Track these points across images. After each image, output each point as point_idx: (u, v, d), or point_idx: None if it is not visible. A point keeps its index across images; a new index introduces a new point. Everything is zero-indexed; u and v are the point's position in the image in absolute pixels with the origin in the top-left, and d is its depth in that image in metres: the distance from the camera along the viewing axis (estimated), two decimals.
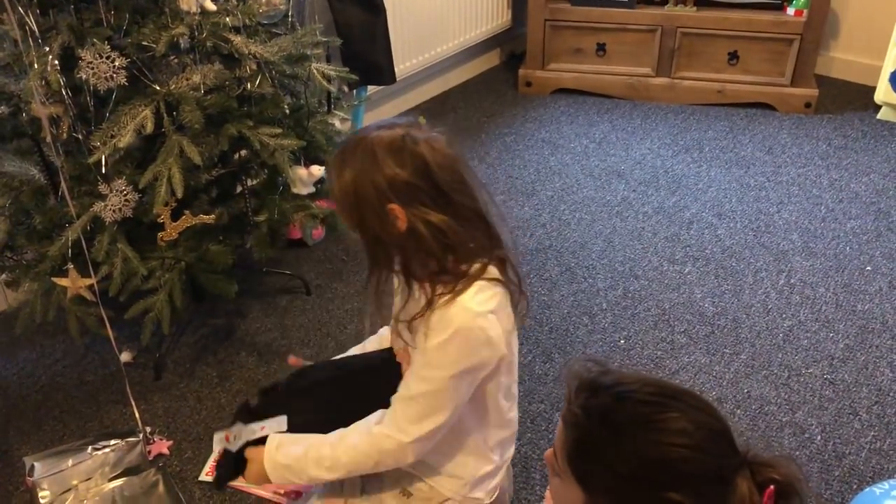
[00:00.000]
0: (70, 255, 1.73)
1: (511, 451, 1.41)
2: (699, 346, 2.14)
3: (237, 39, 1.75)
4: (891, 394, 1.98)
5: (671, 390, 0.94)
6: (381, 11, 2.61)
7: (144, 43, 1.67)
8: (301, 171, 1.97)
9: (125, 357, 2.10)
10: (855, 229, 2.60)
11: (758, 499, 0.89)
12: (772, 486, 0.88)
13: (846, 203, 2.74)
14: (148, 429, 1.88)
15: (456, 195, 1.17)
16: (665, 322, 2.23)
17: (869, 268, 2.42)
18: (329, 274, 2.47)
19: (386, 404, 1.26)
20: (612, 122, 3.33)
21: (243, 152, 1.92)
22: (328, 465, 1.24)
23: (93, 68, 1.60)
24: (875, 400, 1.96)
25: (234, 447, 1.33)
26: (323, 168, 2.04)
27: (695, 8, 3.28)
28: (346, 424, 1.29)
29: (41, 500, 1.67)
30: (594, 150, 3.13)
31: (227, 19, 1.76)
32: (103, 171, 1.68)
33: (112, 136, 1.65)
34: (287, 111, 1.93)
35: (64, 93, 1.63)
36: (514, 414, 1.37)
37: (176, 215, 1.78)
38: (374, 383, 1.35)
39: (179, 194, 1.68)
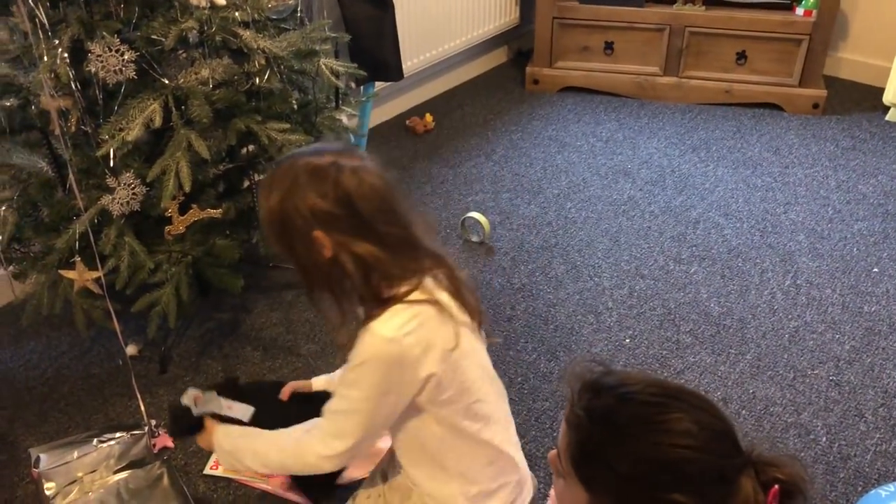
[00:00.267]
0: (77, 247, 1.74)
1: (510, 474, 1.36)
2: (705, 346, 2.14)
3: (246, 34, 1.75)
4: None
5: (674, 390, 0.93)
6: (389, 7, 2.60)
7: (154, 37, 1.67)
8: None
9: (131, 350, 2.10)
10: (862, 231, 2.59)
11: (762, 498, 0.89)
12: (776, 486, 0.88)
13: (853, 204, 2.73)
14: (153, 422, 1.89)
15: (381, 225, 1.18)
16: (671, 321, 2.23)
17: (876, 270, 2.42)
18: None
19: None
20: (620, 120, 3.32)
21: (251, 147, 1.93)
22: (261, 461, 1.33)
23: (102, 61, 1.61)
24: (881, 402, 1.96)
25: (197, 411, 1.46)
26: None
27: (703, 7, 3.27)
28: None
29: (46, 492, 1.68)
30: (601, 148, 3.12)
31: (237, 14, 1.76)
32: (111, 164, 1.69)
33: (120, 130, 1.65)
34: (295, 106, 1.93)
35: (73, 86, 1.64)
36: (491, 435, 1.32)
37: (183, 209, 1.79)
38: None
39: (187, 188, 1.69)
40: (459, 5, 3.31)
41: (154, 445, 1.83)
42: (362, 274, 1.18)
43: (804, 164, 2.98)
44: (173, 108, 1.69)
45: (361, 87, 2.74)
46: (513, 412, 1.92)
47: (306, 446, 1.27)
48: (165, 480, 1.72)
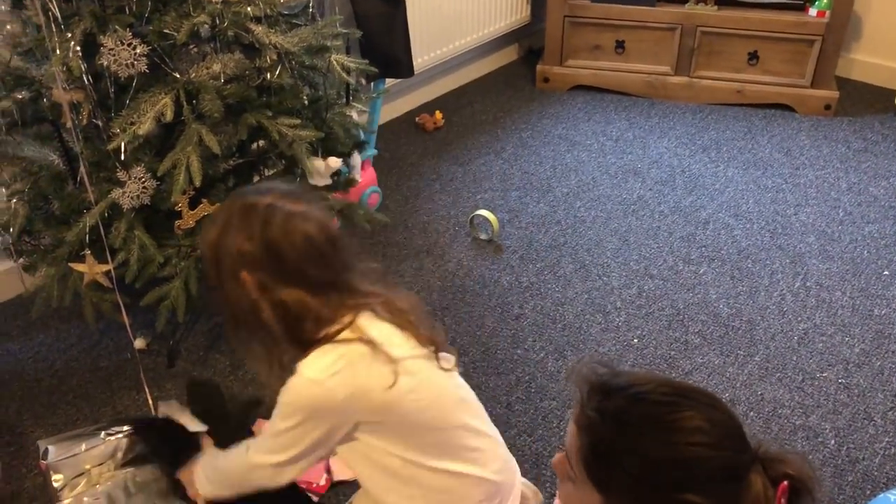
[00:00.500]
0: (87, 240, 1.74)
1: (483, 496, 1.33)
2: (713, 347, 2.13)
3: (258, 29, 1.75)
4: None
5: (684, 389, 0.93)
6: (400, 4, 2.60)
7: (166, 31, 1.66)
8: (318, 163, 1.97)
9: (139, 344, 2.11)
10: (873, 233, 2.58)
11: (772, 494, 0.88)
12: (785, 482, 0.88)
13: (864, 207, 2.72)
14: (161, 416, 1.89)
15: (310, 270, 1.18)
16: (679, 322, 2.22)
17: (886, 272, 2.40)
18: None
19: None
20: (630, 119, 3.31)
21: (261, 142, 1.92)
22: (216, 478, 1.42)
23: (114, 55, 1.61)
24: (890, 405, 1.95)
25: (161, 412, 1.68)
26: (340, 160, 2.04)
27: (716, 7, 3.26)
28: None
29: (54, 484, 1.68)
30: (611, 147, 3.11)
31: (249, 9, 1.76)
32: (122, 157, 1.69)
33: (132, 124, 1.65)
34: (306, 102, 1.93)
35: (85, 79, 1.64)
36: (459, 467, 1.29)
37: (193, 204, 1.79)
38: None
39: (198, 183, 1.69)
40: (471, 3, 3.30)
41: None
42: (284, 319, 1.19)
43: (815, 165, 2.97)
44: (184, 103, 1.69)
45: (372, 84, 2.73)
46: (520, 411, 1.93)
47: (247, 460, 1.31)
48: None
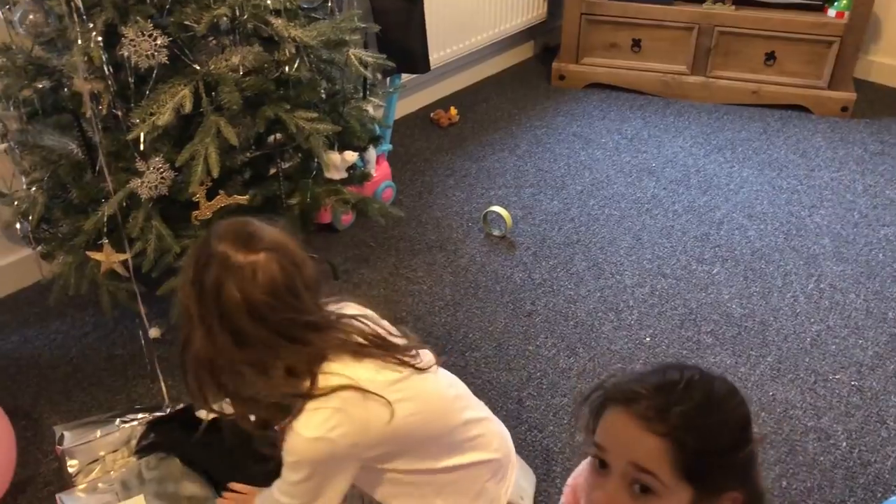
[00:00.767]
0: (105, 230, 1.76)
1: (489, 474, 1.39)
2: (725, 347, 2.13)
3: (277, 22, 1.76)
4: None
5: (678, 364, 1.00)
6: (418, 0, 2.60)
7: (186, 22, 1.68)
8: (334, 157, 1.98)
9: (154, 333, 2.12)
10: (888, 236, 2.57)
11: None
12: None
13: (880, 209, 2.71)
14: (169, 406, 1.90)
15: (247, 325, 1.15)
16: (692, 321, 2.22)
17: None
18: (356, 259, 2.48)
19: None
20: (645, 118, 3.31)
21: (278, 135, 1.93)
22: None
23: (135, 46, 1.62)
24: None
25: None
26: (356, 154, 2.04)
27: (733, 7, 3.25)
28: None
29: (69, 469, 1.70)
30: (626, 146, 3.11)
31: (268, 2, 1.77)
32: (141, 148, 1.70)
33: (151, 114, 1.66)
34: (323, 96, 1.94)
35: (106, 69, 1.65)
36: (466, 458, 1.33)
37: (211, 195, 1.80)
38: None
39: (215, 174, 1.70)
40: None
41: None
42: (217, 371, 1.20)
43: (831, 167, 2.96)
44: (203, 94, 1.71)
45: (388, 79, 2.74)
46: (531, 407, 1.94)
47: (277, 500, 1.30)
48: None
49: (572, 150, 3.09)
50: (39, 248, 1.95)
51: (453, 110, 3.28)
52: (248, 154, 1.88)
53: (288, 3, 1.81)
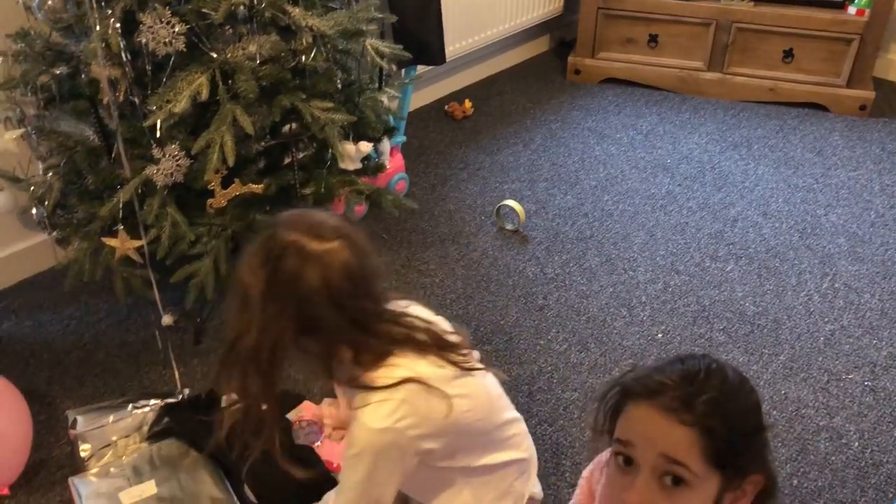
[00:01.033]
0: (120, 216, 1.76)
1: (518, 474, 1.41)
2: (738, 345, 2.12)
3: (295, 11, 1.76)
4: None
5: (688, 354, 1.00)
6: None
7: (204, 10, 1.68)
8: (349, 147, 1.98)
9: (167, 320, 2.12)
10: None
11: None
12: None
13: None
14: (187, 391, 1.91)
15: (326, 313, 1.15)
16: (704, 319, 2.21)
17: None
18: None
19: None
20: (661, 114, 3.29)
21: (293, 125, 1.93)
22: None
23: (153, 33, 1.62)
24: None
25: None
26: (371, 145, 2.04)
27: (752, 3, 3.22)
28: None
29: (82, 453, 1.72)
30: (641, 141, 3.10)
31: None
32: (157, 135, 1.70)
33: (168, 102, 1.66)
34: (339, 86, 1.93)
35: (123, 56, 1.66)
36: (500, 457, 1.36)
37: (226, 183, 1.80)
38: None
39: (231, 162, 1.70)
40: None
41: None
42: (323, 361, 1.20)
43: (847, 166, 2.93)
44: (220, 83, 1.71)
45: (403, 70, 2.74)
46: (541, 401, 1.94)
47: None
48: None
49: (587, 144, 3.08)
50: (55, 233, 1.96)
51: (468, 103, 3.27)
52: (263, 143, 1.88)
53: None
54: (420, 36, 2.59)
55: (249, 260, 1.17)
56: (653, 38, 3.40)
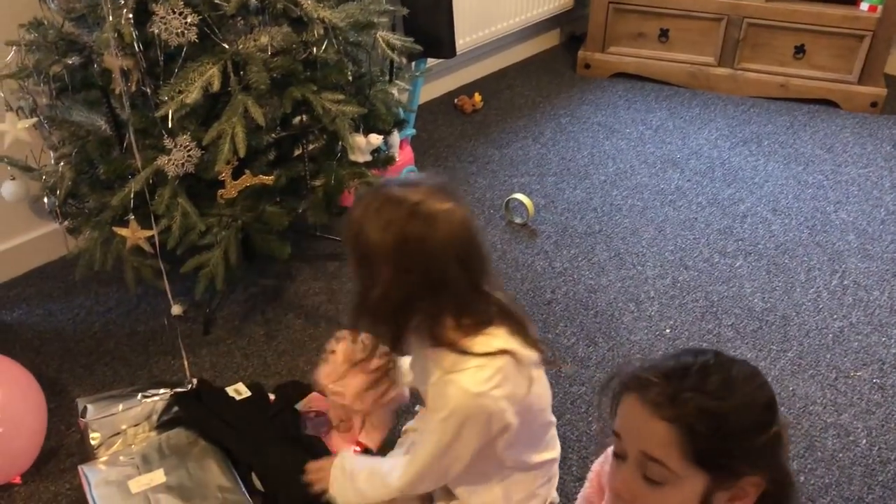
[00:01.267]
0: (131, 206, 1.77)
1: (549, 474, 1.44)
2: (746, 341, 2.12)
3: (307, 3, 1.76)
4: None
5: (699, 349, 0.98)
6: None
7: (216, 1, 1.68)
8: (359, 139, 1.98)
9: (176, 310, 2.13)
10: None
11: None
12: None
13: None
14: (195, 380, 1.92)
15: (452, 270, 1.16)
16: (712, 314, 2.21)
17: None
18: None
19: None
20: (671, 109, 3.28)
21: (304, 116, 1.94)
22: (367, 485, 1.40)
23: (165, 23, 1.63)
24: None
25: None
26: (381, 137, 2.04)
27: None
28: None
29: (91, 442, 1.73)
30: (650, 136, 3.09)
31: None
32: (169, 125, 1.71)
33: (179, 92, 1.67)
34: (350, 78, 1.94)
35: (136, 46, 1.66)
36: (538, 457, 1.38)
37: (236, 174, 1.81)
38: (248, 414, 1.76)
39: (242, 153, 1.71)
40: None
41: None
42: (424, 314, 1.19)
43: (858, 163, 2.92)
44: (231, 74, 1.71)
45: (413, 63, 2.74)
46: None
47: (387, 476, 1.34)
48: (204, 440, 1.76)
49: (596, 139, 3.07)
50: (66, 222, 1.97)
51: (477, 96, 3.27)
52: (273, 135, 1.88)
53: None
54: (431, 29, 2.59)
55: (371, 222, 1.16)
56: (663, 33, 3.39)
